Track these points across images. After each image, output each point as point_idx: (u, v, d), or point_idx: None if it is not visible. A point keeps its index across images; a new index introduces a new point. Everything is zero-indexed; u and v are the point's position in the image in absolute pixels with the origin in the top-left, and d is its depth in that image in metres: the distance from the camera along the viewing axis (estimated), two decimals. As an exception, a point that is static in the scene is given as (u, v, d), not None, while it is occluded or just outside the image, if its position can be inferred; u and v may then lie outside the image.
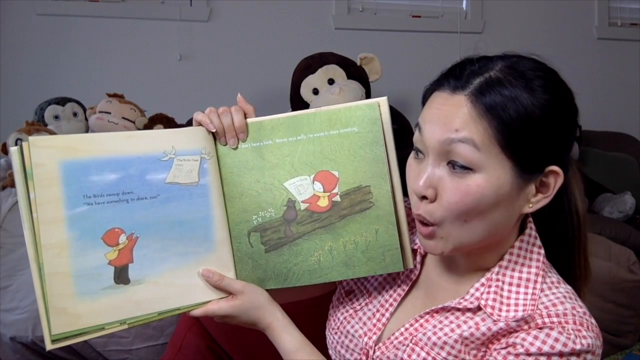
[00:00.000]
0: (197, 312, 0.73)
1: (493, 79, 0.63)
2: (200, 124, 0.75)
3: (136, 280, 0.69)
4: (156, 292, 0.70)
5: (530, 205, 0.66)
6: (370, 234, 0.74)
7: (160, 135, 0.73)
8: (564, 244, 0.75)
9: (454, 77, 0.65)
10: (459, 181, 0.63)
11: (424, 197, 0.65)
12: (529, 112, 0.61)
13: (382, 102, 0.73)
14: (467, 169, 0.62)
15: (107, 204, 0.68)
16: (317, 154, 0.74)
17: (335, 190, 0.74)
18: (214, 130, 0.74)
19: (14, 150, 0.65)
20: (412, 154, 0.69)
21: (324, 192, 0.75)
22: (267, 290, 0.76)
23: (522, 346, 0.62)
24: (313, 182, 0.75)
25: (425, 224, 0.67)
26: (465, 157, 0.62)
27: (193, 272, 0.73)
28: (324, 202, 0.75)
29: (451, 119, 0.63)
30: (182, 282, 0.72)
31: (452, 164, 0.63)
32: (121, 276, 0.68)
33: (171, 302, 0.71)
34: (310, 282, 0.75)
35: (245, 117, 0.76)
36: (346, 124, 0.74)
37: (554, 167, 0.64)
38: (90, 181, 0.67)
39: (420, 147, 0.67)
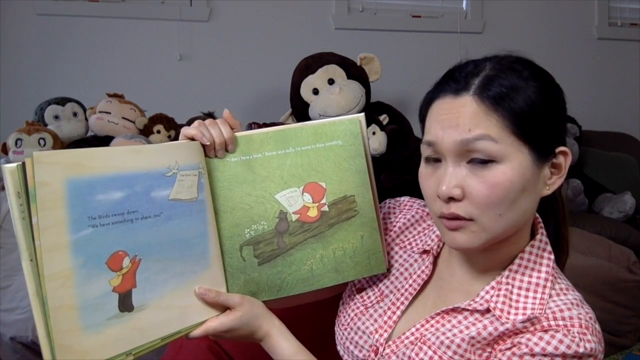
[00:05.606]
0: (196, 333, 0.72)
1: (490, 76, 0.65)
2: (191, 139, 0.74)
3: (139, 306, 0.66)
4: (158, 316, 0.68)
5: (548, 187, 0.68)
6: (357, 240, 0.78)
7: (164, 150, 0.71)
8: (554, 224, 0.79)
9: (454, 82, 0.67)
10: (483, 175, 0.64)
11: (451, 199, 0.65)
12: (532, 99, 0.64)
13: (362, 118, 0.79)
14: (490, 161, 0.63)
15: (111, 225, 0.64)
16: (305, 166, 0.78)
17: (324, 201, 0.78)
18: (208, 143, 0.74)
19: (11, 168, 0.56)
20: (423, 164, 0.69)
21: (313, 202, 0.78)
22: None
23: (527, 346, 0.63)
24: (302, 194, 0.78)
25: (455, 219, 0.66)
26: (485, 151, 0.63)
27: (190, 292, 0.71)
28: (313, 213, 0.78)
29: (462, 120, 0.64)
30: (180, 303, 0.70)
31: (474, 161, 0.64)
32: (125, 303, 0.65)
33: (172, 325, 0.69)
34: (303, 290, 0.77)
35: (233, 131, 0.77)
36: (331, 138, 0.78)
37: (563, 148, 0.67)
38: (96, 200, 0.62)
39: (438, 155, 0.67)
